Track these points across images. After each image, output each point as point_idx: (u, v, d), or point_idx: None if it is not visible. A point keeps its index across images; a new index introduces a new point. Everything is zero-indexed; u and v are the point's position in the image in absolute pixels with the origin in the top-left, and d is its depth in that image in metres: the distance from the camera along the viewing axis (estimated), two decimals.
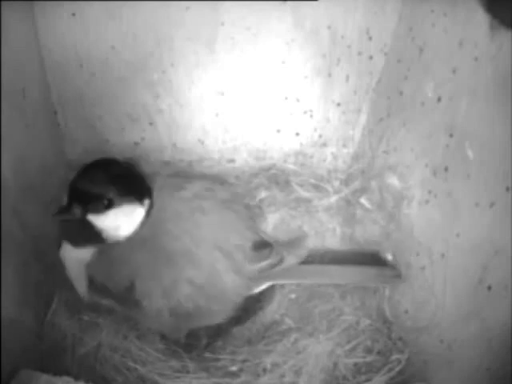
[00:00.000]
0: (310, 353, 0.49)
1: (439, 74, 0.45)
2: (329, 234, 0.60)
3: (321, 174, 0.65)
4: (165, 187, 0.46)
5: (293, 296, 0.55)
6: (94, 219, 0.41)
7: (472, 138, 0.40)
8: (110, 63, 0.54)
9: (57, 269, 0.47)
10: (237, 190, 0.62)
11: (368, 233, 0.57)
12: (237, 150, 0.63)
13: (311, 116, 0.61)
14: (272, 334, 0.52)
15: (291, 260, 0.48)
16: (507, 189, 0.35)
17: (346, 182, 0.63)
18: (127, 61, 0.54)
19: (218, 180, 0.62)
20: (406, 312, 0.50)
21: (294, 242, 0.51)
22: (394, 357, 0.49)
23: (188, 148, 0.62)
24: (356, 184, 0.62)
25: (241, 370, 0.48)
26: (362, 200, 0.59)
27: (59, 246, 0.44)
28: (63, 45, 0.52)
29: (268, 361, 0.48)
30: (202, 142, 0.62)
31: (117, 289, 0.43)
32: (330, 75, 0.57)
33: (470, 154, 0.40)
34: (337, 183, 0.64)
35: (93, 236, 0.42)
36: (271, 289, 0.52)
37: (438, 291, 0.44)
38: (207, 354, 0.50)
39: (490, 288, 0.37)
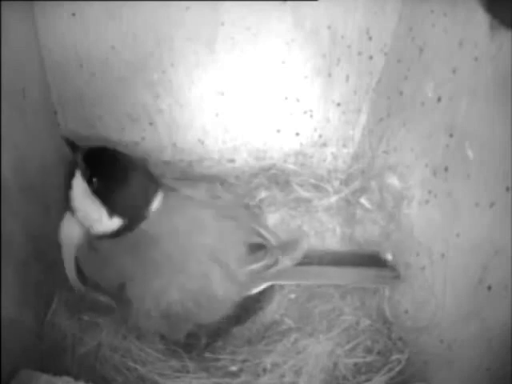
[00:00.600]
0: (310, 353, 0.49)
1: (439, 74, 0.45)
2: (329, 233, 0.60)
3: (321, 174, 0.65)
4: (168, 193, 0.46)
5: (292, 296, 0.55)
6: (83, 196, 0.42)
7: (472, 138, 0.40)
8: (110, 63, 0.54)
9: (57, 269, 0.47)
10: (237, 189, 0.62)
11: (368, 233, 0.57)
12: (237, 150, 0.63)
13: (311, 116, 0.61)
14: (272, 333, 0.52)
15: (286, 262, 0.49)
16: (507, 189, 0.35)
17: (346, 182, 0.63)
18: (127, 61, 0.54)
19: (217, 180, 0.62)
20: (406, 312, 0.50)
21: (290, 244, 0.51)
22: (394, 357, 0.49)
23: (188, 148, 0.62)
24: (356, 184, 0.62)
25: (241, 369, 0.48)
26: (362, 200, 0.59)
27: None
28: (63, 45, 0.52)
29: (268, 361, 0.48)
30: (202, 142, 0.62)
31: (108, 287, 0.43)
32: (330, 75, 0.57)
33: (470, 153, 0.40)
34: (337, 183, 0.64)
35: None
36: (271, 289, 0.52)
37: (437, 291, 0.44)
38: (207, 354, 0.50)
39: (489, 288, 0.37)
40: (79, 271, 0.44)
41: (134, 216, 0.43)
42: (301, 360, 0.48)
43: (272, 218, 0.60)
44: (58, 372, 0.42)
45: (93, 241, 0.43)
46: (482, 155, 0.39)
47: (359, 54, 0.56)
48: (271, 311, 0.54)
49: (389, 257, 0.54)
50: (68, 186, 0.43)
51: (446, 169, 0.43)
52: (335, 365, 0.49)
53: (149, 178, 0.44)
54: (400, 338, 0.51)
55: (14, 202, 0.44)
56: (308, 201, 0.62)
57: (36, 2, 0.49)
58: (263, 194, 0.62)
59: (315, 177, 0.64)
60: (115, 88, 0.56)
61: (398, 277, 0.51)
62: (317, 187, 0.63)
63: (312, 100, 0.59)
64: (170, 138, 0.60)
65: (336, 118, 0.61)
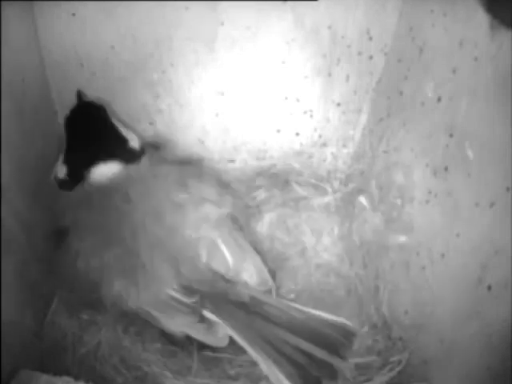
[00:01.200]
0: None
1: (439, 74, 0.45)
2: (326, 233, 0.60)
3: (321, 173, 0.65)
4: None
5: (292, 296, 0.55)
6: None
7: (472, 138, 0.40)
8: (109, 63, 0.54)
9: (57, 269, 0.47)
10: (237, 189, 0.62)
11: (366, 233, 0.57)
12: (237, 150, 0.63)
13: (311, 116, 0.61)
14: None
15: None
16: (507, 189, 0.35)
17: (346, 182, 0.63)
18: (127, 61, 0.54)
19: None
20: (406, 312, 0.50)
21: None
22: (395, 357, 0.49)
23: (188, 148, 0.62)
24: (355, 184, 0.62)
25: (239, 373, 0.48)
26: (362, 200, 0.59)
27: None
28: (63, 45, 0.52)
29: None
30: (202, 142, 0.62)
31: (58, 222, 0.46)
32: (330, 75, 0.57)
33: (470, 153, 0.40)
34: (336, 183, 0.64)
35: None
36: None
37: (437, 291, 0.44)
38: (207, 353, 0.49)
39: (489, 288, 0.37)
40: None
41: (73, 171, 0.46)
42: None
43: (271, 218, 0.60)
44: (58, 372, 0.42)
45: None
46: (482, 155, 0.39)
47: (359, 54, 0.56)
48: None
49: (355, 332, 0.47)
50: None
51: (446, 169, 0.43)
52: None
53: (109, 146, 0.47)
54: (400, 338, 0.50)
55: (14, 202, 0.44)
56: (307, 200, 0.62)
57: (36, 2, 0.49)
58: (263, 193, 0.62)
59: (315, 177, 0.64)
60: (115, 88, 0.56)
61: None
62: (316, 187, 0.63)
63: (312, 100, 0.59)
64: (170, 138, 0.60)
65: (336, 118, 0.61)
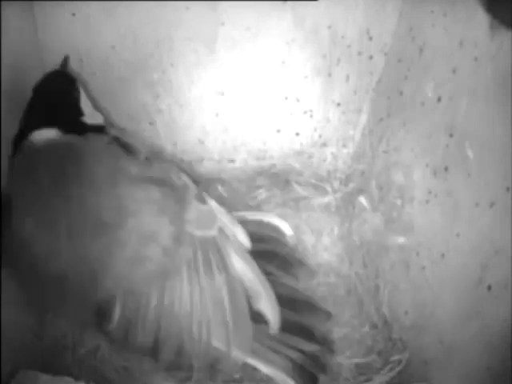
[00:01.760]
0: None
1: (439, 74, 0.45)
2: (326, 233, 0.60)
3: (321, 173, 0.65)
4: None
5: None
6: None
7: (472, 138, 0.40)
8: (110, 63, 0.54)
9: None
10: (237, 189, 0.62)
11: (366, 233, 0.57)
12: (237, 150, 0.63)
13: (311, 116, 0.61)
14: None
15: None
16: (507, 189, 0.35)
17: (346, 182, 0.63)
18: (127, 61, 0.54)
19: (218, 180, 0.62)
20: (406, 312, 0.50)
21: None
22: (395, 357, 0.49)
23: (188, 148, 0.62)
24: (355, 184, 0.62)
25: (242, 377, 0.48)
26: (362, 200, 0.59)
27: None
28: (63, 45, 0.52)
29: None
30: (202, 142, 0.62)
31: None
32: (330, 75, 0.57)
33: (470, 153, 0.40)
34: (336, 183, 0.64)
35: None
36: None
37: (437, 291, 0.44)
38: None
39: (489, 288, 0.37)
40: None
41: (20, 133, 0.43)
42: None
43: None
44: (58, 372, 0.42)
45: None
46: (482, 155, 0.39)
47: (359, 53, 0.56)
48: None
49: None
50: None
51: (446, 169, 0.43)
52: (335, 365, 0.49)
53: (57, 113, 0.44)
54: (400, 339, 0.50)
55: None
56: (307, 200, 0.62)
57: (36, 2, 0.49)
58: (263, 193, 0.62)
59: (315, 177, 0.64)
60: (115, 88, 0.56)
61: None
62: (316, 187, 0.63)
63: (312, 100, 0.59)
64: (170, 138, 0.60)
65: (336, 118, 0.61)
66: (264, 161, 0.64)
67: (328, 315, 0.48)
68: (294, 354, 0.45)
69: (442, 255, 0.43)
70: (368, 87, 0.58)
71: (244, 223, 0.48)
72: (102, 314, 0.41)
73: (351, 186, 0.62)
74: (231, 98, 0.58)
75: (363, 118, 0.61)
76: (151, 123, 0.59)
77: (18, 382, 0.41)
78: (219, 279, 0.43)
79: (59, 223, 0.40)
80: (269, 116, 0.60)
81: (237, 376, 0.48)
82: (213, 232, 0.45)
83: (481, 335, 0.38)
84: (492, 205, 0.37)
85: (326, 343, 0.47)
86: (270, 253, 0.49)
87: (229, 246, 0.45)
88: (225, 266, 0.44)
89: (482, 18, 0.38)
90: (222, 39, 0.54)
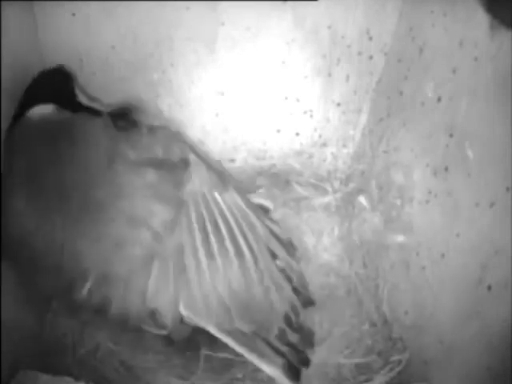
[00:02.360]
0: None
1: (439, 74, 0.45)
2: (326, 233, 0.60)
3: (321, 173, 0.65)
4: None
5: None
6: None
7: (472, 138, 0.40)
8: (110, 63, 0.54)
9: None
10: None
11: (366, 232, 0.57)
12: (237, 150, 0.63)
13: (311, 116, 0.61)
14: None
15: None
16: (507, 189, 0.35)
17: (346, 182, 0.63)
18: (127, 61, 0.54)
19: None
20: (406, 312, 0.50)
21: None
22: (395, 357, 0.49)
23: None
24: (355, 184, 0.62)
25: (244, 376, 0.48)
26: (362, 200, 0.59)
27: None
28: (63, 45, 0.52)
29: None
30: (202, 142, 0.62)
31: None
32: (330, 75, 0.57)
33: (470, 153, 0.40)
34: (337, 183, 0.64)
35: None
36: None
37: (437, 291, 0.44)
38: (208, 352, 0.49)
39: (489, 288, 0.37)
40: None
41: (17, 111, 0.43)
42: None
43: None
44: (58, 372, 0.42)
45: None
46: (482, 155, 0.39)
47: (359, 54, 0.56)
48: None
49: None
50: None
51: (446, 169, 0.43)
52: (336, 366, 0.49)
53: (54, 90, 0.44)
54: (400, 339, 0.50)
55: None
56: (307, 200, 0.62)
57: (36, 2, 0.49)
58: (263, 193, 0.62)
59: (315, 177, 0.64)
60: (115, 88, 0.56)
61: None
62: (316, 187, 0.63)
63: (312, 100, 0.59)
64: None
65: (336, 118, 0.61)
66: (264, 161, 0.64)
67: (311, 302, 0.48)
68: (283, 347, 0.45)
69: (442, 255, 0.43)
70: (368, 87, 0.58)
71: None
72: (72, 287, 0.40)
73: (351, 185, 0.62)
74: (231, 98, 0.58)
75: (363, 118, 0.61)
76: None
77: (18, 382, 0.41)
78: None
79: (51, 200, 0.40)
80: (269, 116, 0.60)
81: (239, 375, 0.48)
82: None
83: (481, 335, 0.38)
84: (492, 205, 0.37)
85: (304, 333, 0.46)
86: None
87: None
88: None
89: (481, 18, 0.38)
90: (221, 39, 0.54)
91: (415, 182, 0.49)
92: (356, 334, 0.52)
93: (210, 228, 0.44)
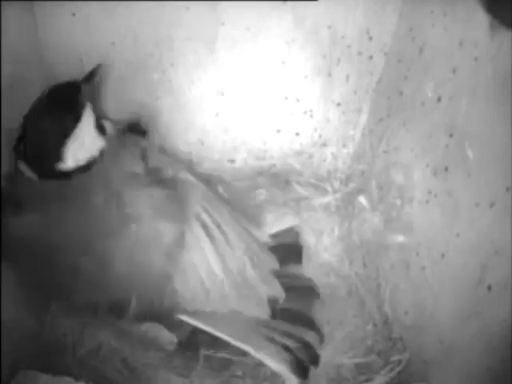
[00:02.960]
0: None
1: (439, 74, 0.45)
2: (327, 233, 0.60)
3: (321, 173, 0.65)
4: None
5: None
6: None
7: (472, 138, 0.40)
8: (110, 63, 0.54)
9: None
10: (237, 189, 0.62)
11: (366, 232, 0.57)
12: (237, 150, 0.63)
13: (311, 116, 0.61)
14: None
15: None
16: (507, 189, 0.35)
17: (346, 182, 0.63)
18: (127, 61, 0.54)
19: (218, 180, 0.62)
20: (406, 312, 0.50)
21: None
22: (395, 357, 0.49)
23: (188, 148, 0.62)
24: (355, 184, 0.62)
25: (244, 374, 0.48)
26: (362, 200, 0.59)
27: None
28: (63, 45, 0.52)
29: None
30: (202, 142, 0.62)
31: None
32: (330, 75, 0.57)
33: (470, 153, 0.40)
34: (337, 183, 0.64)
35: None
36: None
37: (437, 291, 0.44)
38: (208, 352, 0.49)
39: (489, 288, 0.37)
40: None
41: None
42: None
43: (271, 218, 0.60)
44: (58, 372, 0.42)
45: None
46: (482, 155, 0.39)
47: (359, 53, 0.56)
48: None
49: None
50: None
51: (446, 169, 0.43)
52: (336, 366, 0.49)
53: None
54: (400, 339, 0.50)
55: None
56: (307, 200, 0.62)
57: (36, 2, 0.49)
58: (263, 193, 0.62)
59: (315, 177, 0.64)
60: (115, 88, 0.56)
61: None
62: (316, 187, 0.63)
63: (312, 100, 0.59)
64: (170, 138, 0.60)
65: (336, 118, 0.61)
66: (264, 161, 0.64)
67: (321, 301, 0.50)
68: (293, 344, 0.46)
69: (442, 255, 0.43)
70: (368, 87, 0.58)
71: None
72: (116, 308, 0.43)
73: (351, 185, 0.62)
74: (231, 97, 0.58)
75: (363, 118, 0.61)
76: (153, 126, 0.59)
77: (18, 382, 0.41)
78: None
79: (65, 225, 0.41)
80: (269, 116, 0.60)
81: (239, 373, 0.48)
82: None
83: (481, 335, 0.38)
84: (492, 205, 0.37)
85: (319, 332, 0.48)
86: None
87: None
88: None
89: (481, 18, 0.38)
90: (221, 39, 0.54)
91: (415, 182, 0.49)
92: (359, 334, 0.52)
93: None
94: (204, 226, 0.46)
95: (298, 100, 0.59)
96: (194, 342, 0.49)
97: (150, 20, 0.51)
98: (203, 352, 0.49)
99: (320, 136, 0.62)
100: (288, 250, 0.53)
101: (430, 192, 0.46)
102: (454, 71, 0.42)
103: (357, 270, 0.57)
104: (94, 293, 0.43)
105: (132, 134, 0.49)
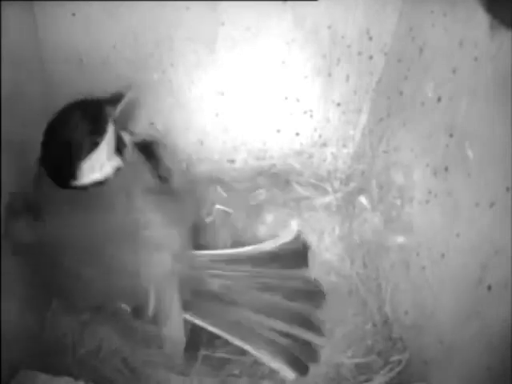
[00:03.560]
0: None
1: (439, 74, 0.45)
2: (327, 232, 0.60)
3: (321, 173, 0.65)
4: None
5: None
6: None
7: (472, 138, 0.40)
8: (110, 63, 0.54)
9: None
10: (237, 189, 0.62)
11: (366, 232, 0.57)
12: (237, 150, 0.63)
13: (311, 116, 0.61)
14: None
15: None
16: (507, 189, 0.35)
17: (346, 182, 0.63)
18: (127, 61, 0.54)
19: (217, 180, 0.62)
20: (406, 312, 0.50)
21: None
22: (395, 357, 0.49)
23: (188, 148, 0.62)
24: (355, 184, 0.62)
25: (242, 372, 0.48)
26: (362, 200, 0.59)
27: None
28: (63, 45, 0.52)
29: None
30: (202, 143, 0.62)
31: None
32: (330, 75, 0.57)
33: (470, 153, 0.40)
34: (337, 183, 0.64)
35: None
36: None
37: (437, 291, 0.44)
38: (208, 352, 0.49)
39: (489, 288, 0.37)
40: None
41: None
42: None
43: (271, 218, 0.60)
44: (58, 372, 0.42)
45: None
46: (482, 155, 0.39)
47: (359, 54, 0.56)
48: None
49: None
50: None
51: (446, 169, 0.43)
52: (336, 366, 0.49)
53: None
54: (400, 339, 0.51)
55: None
56: (308, 200, 0.62)
57: (36, 2, 0.49)
58: (264, 193, 0.62)
59: (315, 177, 0.64)
60: (115, 88, 0.56)
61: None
62: (316, 187, 0.63)
63: (312, 100, 0.59)
64: (170, 138, 0.60)
65: (336, 118, 0.61)
66: (264, 161, 0.64)
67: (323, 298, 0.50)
68: (290, 343, 0.47)
69: (442, 255, 0.43)
70: (368, 87, 0.58)
71: None
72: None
73: (351, 185, 0.62)
74: (231, 98, 0.58)
75: (363, 118, 0.61)
76: (151, 123, 0.59)
77: (18, 382, 0.41)
78: None
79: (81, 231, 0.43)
80: (269, 116, 0.60)
81: (236, 372, 0.48)
82: None
83: (481, 335, 0.38)
84: (492, 205, 0.37)
85: (319, 331, 0.48)
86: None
87: None
88: None
89: (482, 18, 0.38)
90: (221, 39, 0.54)
91: (415, 182, 0.49)
92: (359, 333, 0.52)
93: None
94: None
95: (297, 100, 0.59)
96: (194, 341, 0.49)
97: (150, 20, 0.51)
98: (202, 353, 0.49)
99: (320, 136, 0.62)
100: (294, 253, 0.53)
101: (429, 192, 0.46)
102: (453, 71, 0.42)
103: (357, 269, 0.57)
104: (101, 293, 0.45)
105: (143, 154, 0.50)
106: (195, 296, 0.47)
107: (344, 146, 0.63)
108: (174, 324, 0.47)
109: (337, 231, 0.60)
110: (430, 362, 0.45)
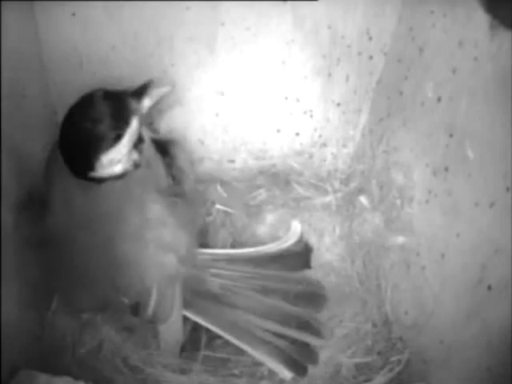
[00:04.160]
0: None
1: (439, 74, 0.45)
2: (327, 232, 0.60)
3: (321, 173, 0.65)
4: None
5: None
6: None
7: (472, 138, 0.40)
8: (110, 63, 0.54)
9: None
10: (237, 189, 0.62)
11: (366, 232, 0.57)
12: (237, 150, 0.63)
13: (311, 116, 0.61)
14: None
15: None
16: (507, 189, 0.35)
17: (346, 182, 0.63)
18: (128, 61, 0.54)
19: (217, 180, 0.62)
20: (406, 312, 0.50)
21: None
22: (394, 357, 0.49)
23: (188, 148, 0.62)
24: (356, 184, 0.62)
25: (242, 372, 0.48)
26: (362, 199, 0.59)
27: None
28: (63, 45, 0.52)
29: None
30: (202, 142, 0.62)
31: None
32: (329, 75, 0.57)
33: (470, 153, 0.40)
34: (337, 183, 0.64)
35: None
36: None
37: (438, 291, 0.44)
38: (208, 352, 0.49)
39: (489, 288, 0.37)
40: None
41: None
42: None
43: (271, 217, 0.60)
44: (58, 372, 0.42)
45: None
46: (482, 155, 0.39)
47: (359, 54, 0.56)
48: None
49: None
50: None
51: (446, 169, 0.43)
52: (336, 366, 0.49)
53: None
54: (400, 339, 0.51)
55: (14, 202, 0.44)
56: (308, 200, 0.62)
57: (36, 2, 0.49)
58: (263, 193, 0.62)
59: (315, 177, 0.64)
60: (116, 88, 0.56)
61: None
62: (316, 187, 0.63)
63: (312, 100, 0.59)
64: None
65: (336, 118, 0.61)
66: (264, 161, 0.64)
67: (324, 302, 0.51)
68: (288, 345, 0.47)
69: (442, 255, 0.43)
70: (368, 87, 0.58)
71: None
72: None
73: (351, 185, 0.62)
74: (231, 98, 0.58)
75: (363, 118, 0.61)
76: (151, 123, 0.59)
77: (18, 382, 0.41)
78: None
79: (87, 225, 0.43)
80: (269, 116, 0.60)
81: (236, 372, 0.48)
82: None
83: (481, 335, 0.38)
84: (492, 205, 0.37)
85: (318, 333, 0.48)
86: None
87: None
88: None
89: (481, 18, 0.38)
90: (222, 39, 0.54)
91: (415, 182, 0.49)
92: (359, 333, 0.52)
93: None
94: None
95: (297, 100, 0.59)
96: (194, 341, 0.50)
97: (151, 20, 0.51)
98: (202, 353, 0.49)
99: (320, 136, 0.62)
100: (297, 255, 0.53)
101: (429, 192, 0.46)
102: (453, 71, 0.42)
103: (357, 269, 0.57)
104: (104, 289, 0.45)
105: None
106: (195, 295, 0.48)
107: (344, 146, 0.63)
108: (173, 323, 0.47)
109: (337, 231, 0.60)
110: (430, 361, 0.45)
